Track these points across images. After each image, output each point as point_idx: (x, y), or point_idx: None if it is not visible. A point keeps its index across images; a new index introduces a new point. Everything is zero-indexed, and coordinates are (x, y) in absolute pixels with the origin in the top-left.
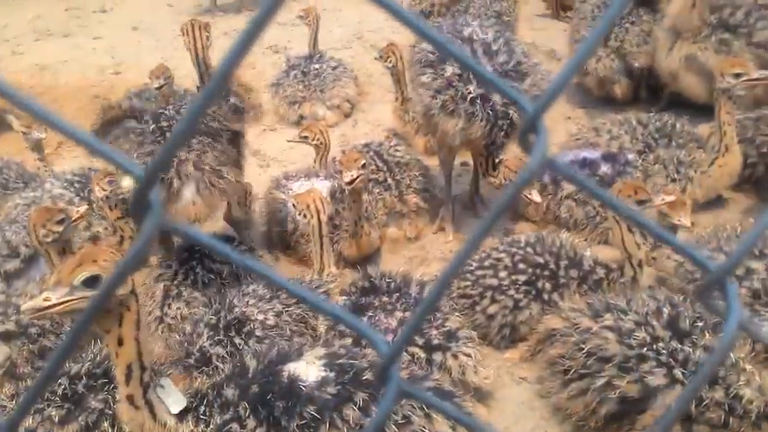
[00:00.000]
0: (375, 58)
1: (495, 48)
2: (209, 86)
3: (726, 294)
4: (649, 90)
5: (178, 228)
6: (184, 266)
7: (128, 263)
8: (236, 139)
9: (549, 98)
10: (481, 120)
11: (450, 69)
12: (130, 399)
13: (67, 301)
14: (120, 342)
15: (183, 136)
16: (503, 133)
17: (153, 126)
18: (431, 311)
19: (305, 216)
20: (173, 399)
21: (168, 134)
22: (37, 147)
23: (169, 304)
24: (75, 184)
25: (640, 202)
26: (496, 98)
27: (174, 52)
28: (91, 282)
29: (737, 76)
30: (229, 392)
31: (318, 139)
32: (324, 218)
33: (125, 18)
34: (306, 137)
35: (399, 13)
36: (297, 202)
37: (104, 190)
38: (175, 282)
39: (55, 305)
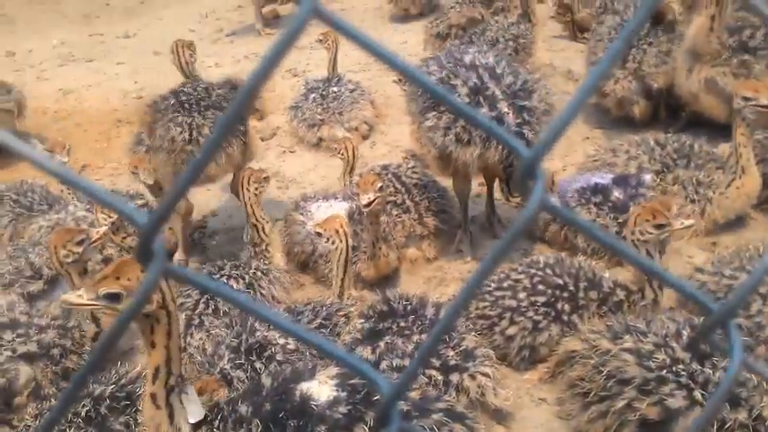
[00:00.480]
0: (393, 81)
1: (499, 71)
2: (230, 113)
3: (728, 335)
4: (669, 110)
5: (182, 273)
6: (205, 295)
7: (132, 309)
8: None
9: (546, 144)
10: (497, 144)
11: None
12: (153, 397)
13: (92, 306)
14: (153, 345)
15: (195, 172)
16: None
17: (173, 101)
18: (443, 336)
19: (333, 242)
20: (193, 408)
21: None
22: None
23: (191, 333)
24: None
25: (659, 227)
26: (509, 120)
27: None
28: (110, 297)
29: (747, 99)
30: (243, 409)
31: (342, 154)
32: (351, 242)
33: (147, 43)
34: (336, 148)
35: (394, 62)
36: (324, 229)
37: (110, 217)
38: (197, 311)
39: (83, 304)
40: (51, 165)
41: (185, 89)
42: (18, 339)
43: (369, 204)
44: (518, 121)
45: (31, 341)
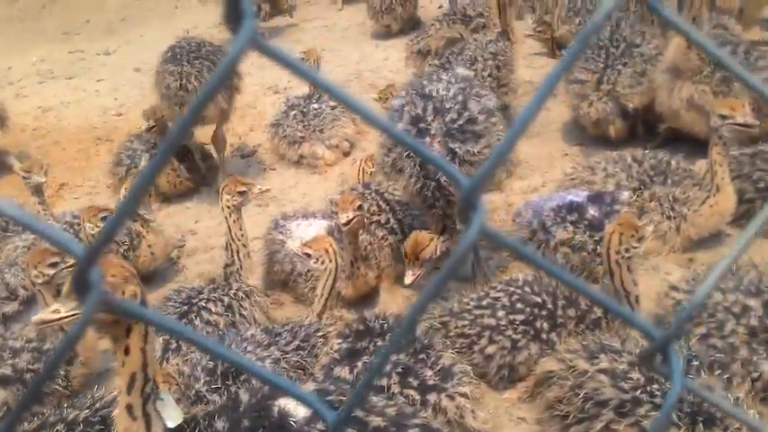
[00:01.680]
0: (373, 99)
1: (447, 105)
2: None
3: (668, 361)
4: (646, 126)
5: (121, 304)
6: (183, 319)
7: (69, 339)
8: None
9: (485, 175)
10: (410, 177)
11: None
12: (129, 408)
13: (73, 316)
14: (127, 351)
15: (131, 203)
16: (439, 197)
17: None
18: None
19: (322, 262)
20: (170, 412)
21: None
22: (37, 190)
23: (167, 359)
24: (75, 226)
25: (640, 240)
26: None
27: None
28: None
29: (724, 117)
30: (220, 425)
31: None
32: (340, 261)
33: (128, 60)
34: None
35: (346, 99)
36: (314, 249)
37: (97, 226)
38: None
39: (64, 317)
40: None
41: (180, 43)
42: None
43: (347, 223)
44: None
45: (5, 364)
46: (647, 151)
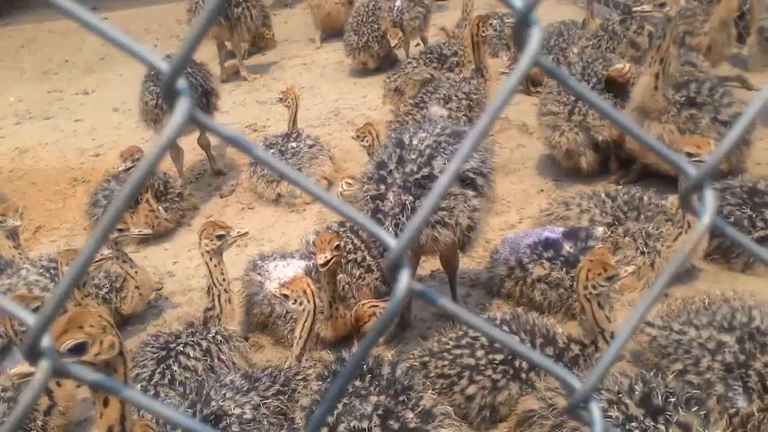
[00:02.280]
0: (352, 137)
1: (411, 156)
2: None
3: (589, 413)
4: (619, 161)
5: (73, 371)
6: (161, 365)
7: (22, 407)
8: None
9: (408, 239)
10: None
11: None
12: None
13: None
14: (106, 403)
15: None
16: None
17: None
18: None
19: (301, 303)
20: None
21: None
22: (12, 234)
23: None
24: (51, 270)
25: (609, 279)
26: (385, 206)
27: (154, 133)
28: (76, 349)
29: (690, 155)
30: None
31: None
32: (318, 303)
33: (106, 100)
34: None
35: (285, 173)
36: (291, 290)
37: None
38: (152, 381)
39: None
40: None
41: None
42: None
43: (325, 264)
44: (394, 210)
45: None
46: (620, 187)
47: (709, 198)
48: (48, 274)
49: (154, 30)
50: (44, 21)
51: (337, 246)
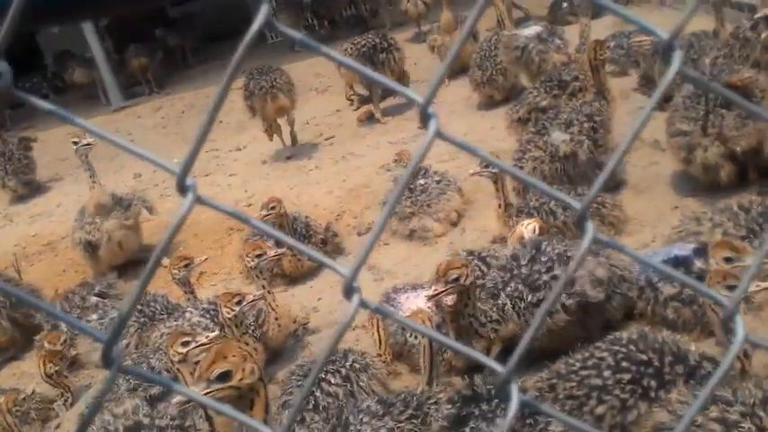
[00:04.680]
0: (470, 174)
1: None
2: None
3: (509, 394)
4: (758, 171)
5: (137, 372)
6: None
7: (95, 407)
8: None
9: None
10: None
11: None
12: None
13: (208, 393)
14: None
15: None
16: None
17: None
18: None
19: (416, 337)
20: None
21: None
22: (183, 283)
23: (294, 430)
24: (211, 312)
25: (731, 288)
26: None
27: (298, 180)
28: (223, 377)
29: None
30: None
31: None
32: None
33: (256, 154)
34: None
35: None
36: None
37: (232, 310)
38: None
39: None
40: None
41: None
42: None
43: (433, 297)
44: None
45: None
46: (755, 198)
47: None
48: (208, 315)
49: None
50: (202, 88)
51: (456, 278)
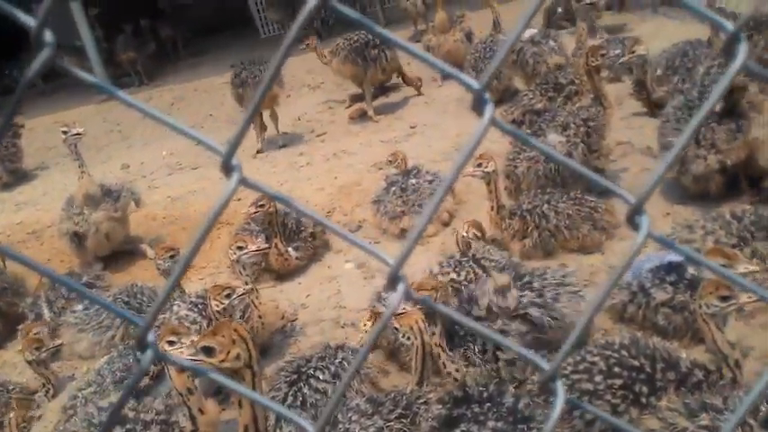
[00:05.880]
0: (463, 175)
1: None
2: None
3: (555, 389)
4: (749, 180)
5: (172, 359)
6: (293, 388)
7: (124, 395)
8: None
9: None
10: None
11: None
12: None
13: (191, 359)
14: (240, 404)
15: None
16: None
17: None
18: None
19: (408, 338)
20: None
21: None
22: (168, 274)
23: (281, 427)
24: (199, 305)
25: (724, 299)
26: None
27: (289, 176)
28: (206, 350)
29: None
30: None
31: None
32: (427, 338)
33: (246, 148)
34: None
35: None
36: (400, 325)
37: (222, 303)
38: (286, 403)
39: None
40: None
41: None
42: None
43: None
44: None
45: None
46: (747, 207)
47: None
48: (196, 309)
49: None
50: (190, 80)
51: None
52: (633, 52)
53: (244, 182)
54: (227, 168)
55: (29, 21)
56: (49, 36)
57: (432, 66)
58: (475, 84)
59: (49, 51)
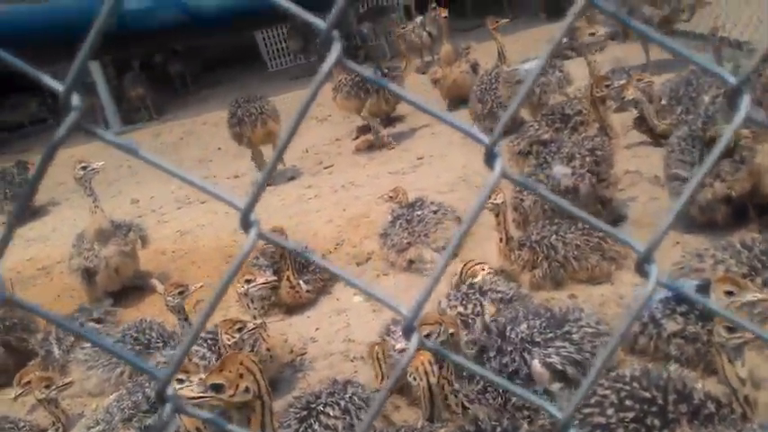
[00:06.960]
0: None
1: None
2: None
3: None
4: (757, 209)
5: (192, 412)
6: (303, 424)
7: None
8: None
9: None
10: None
11: None
12: None
13: (200, 397)
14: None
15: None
16: None
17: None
18: None
19: (415, 379)
20: None
21: None
22: (178, 310)
23: None
24: (208, 341)
25: (730, 329)
26: None
27: (298, 208)
28: (215, 387)
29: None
30: None
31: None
32: (433, 380)
33: (253, 181)
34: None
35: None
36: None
37: (233, 337)
38: None
39: (194, 397)
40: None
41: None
42: None
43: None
44: None
45: None
46: (757, 236)
47: None
48: (206, 344)
49: None
50: (200, 114)
51: (427, 335)
52: (623, 98)
53: (262, 236)
54: (246, 224)
55: (57, 86)
56: (76, 100)
57: (441, 120)
58: (485, 139)
59: (76, 115)
